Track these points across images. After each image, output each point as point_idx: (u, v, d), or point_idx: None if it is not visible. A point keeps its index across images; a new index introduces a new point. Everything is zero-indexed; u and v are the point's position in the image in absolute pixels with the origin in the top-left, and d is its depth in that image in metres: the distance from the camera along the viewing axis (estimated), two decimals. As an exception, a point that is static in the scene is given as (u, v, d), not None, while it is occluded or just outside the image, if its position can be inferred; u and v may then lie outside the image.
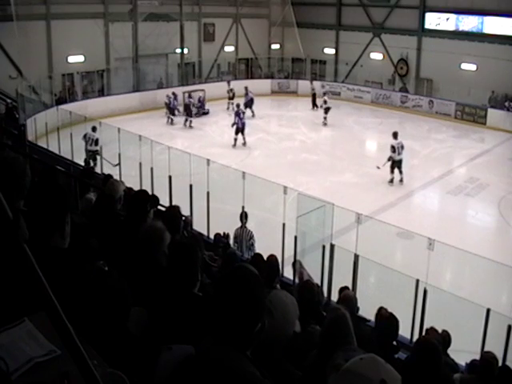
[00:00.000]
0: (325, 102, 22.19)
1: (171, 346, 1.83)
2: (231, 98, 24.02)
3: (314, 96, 25.02)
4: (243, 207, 9.41)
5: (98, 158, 14.65)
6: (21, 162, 2.39)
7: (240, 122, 18.68)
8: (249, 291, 1.56)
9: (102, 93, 23.62)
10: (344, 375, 1.37)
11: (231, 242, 8.57)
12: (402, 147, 15.09)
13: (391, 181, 15.21)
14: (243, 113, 19.18)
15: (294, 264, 7.82)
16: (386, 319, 4.74)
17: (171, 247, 3.06)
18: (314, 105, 24.94)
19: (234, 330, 1.53)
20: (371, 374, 1.31)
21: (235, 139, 18.66)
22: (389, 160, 15.05)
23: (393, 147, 14.94)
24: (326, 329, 2.81)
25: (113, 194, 4.49)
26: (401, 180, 15.25)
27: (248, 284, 1.59)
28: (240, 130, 18.68)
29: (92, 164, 14.26)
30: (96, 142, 14.76)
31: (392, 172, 15.15)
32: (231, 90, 24.15)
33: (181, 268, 2.77)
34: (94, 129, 14.90)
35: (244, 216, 9.13)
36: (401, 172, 15.16)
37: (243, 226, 9.06)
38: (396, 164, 15.04)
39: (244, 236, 8.84)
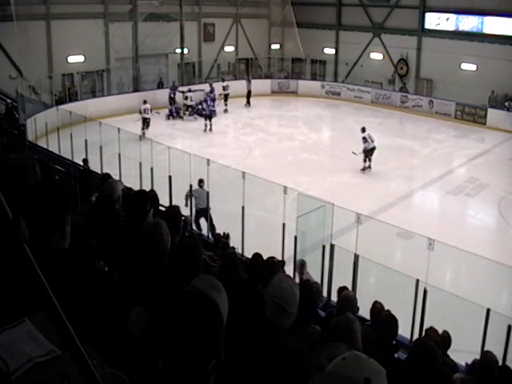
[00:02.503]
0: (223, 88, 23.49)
1: None
2: (225, 99, 24.03)
3: (249, 93, 25.47)
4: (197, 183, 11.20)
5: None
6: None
7: (208, 109, 20.54)
8: (202, 322, 1.32)
9: (101, 93, 23.62)
10: (327, 377, 1.35)
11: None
12: (371, 137, 16.16)
13: (363, 169, 16.06)
14: (212, 99, 20.93)
15: (298, 261, 7.93)
16: (385, 318, 4.75)
17: (174, 248, 3.06)
18: (248, 102, 25.42)
19: (183, 366, 1.31)
20: (355, 374, 1.30)
21: (205, 125, 20.56)
22: (364, 151, 15.97)
23: (364, 138, 16.06)
24: (332, 333, 2.82)
25: (111, 193, 4.48)
26: (369, 167, 16.17)
27: (201, 313, 1.34)
28: (208, 116, 20.62)
29: (145, 129, 18.83)
30: (151, 111, 19.33)
31: (365, 161, 16.07)
32: (224, 88, 24.07)
33: (183, 268, 2.77)
34: (145, 102, 19.40)
35: (200, 181, 11.28)
36: (370, 160, 16.09)
37: (201, 186, 11.25)
38: (369, 152, 16.02)
39: (202, 191, 11.19)
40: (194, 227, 10.76)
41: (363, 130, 16.25)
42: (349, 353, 1.43)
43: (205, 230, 11.03)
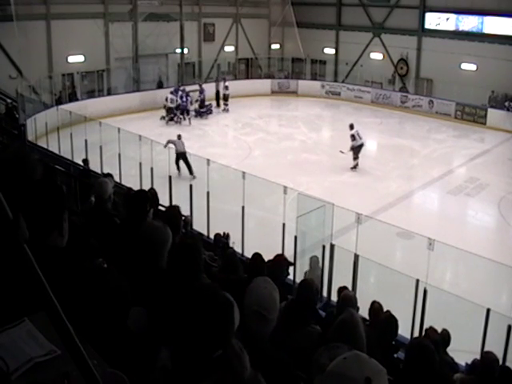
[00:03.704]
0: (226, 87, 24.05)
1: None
2: (225, 99, 23.96)
3: (220, 95, 24.67)
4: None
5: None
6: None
7: (182, 103, 21.72)
8: (215, 314, 1.40)
9: (101, 93, 23.62)
10: (329, 377, 1.36)
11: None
12: (360, 134, 16.16)
13: (354, 167, 16.06)
14: (186, 95, 21.97)
15: (314, 259, 8.02)
16: (385, 319, 4.75)
17: (174, 247, 3.06)
18: (218, 104, 24.54)
19: (191, 352, 1.37)
20: (355, 373, 1.30)
21: (179, 117, 21.75)
22: (352, 149, 15.96)
23: (352, 136, 16.05)
24: (335, 332, 2.81)
25: (101, 193, 4.48)
26: (357, 164, 16.19)
27: (215, 306, 1.41)
28: (183, 110, 21.81)
29: (167, 117, 21.67)
30: (174, 102, 21.61)
31: (354, 159, 16.05)
32: (226, 87, 23.97)
33: (183, 268, 2.77)
34: (172, 93, 21.81)
35: (178, 136, 15.03)
36: (357, 157, 16.12)
37: (179, 138, 14.81)
38: (357, 149, 16.03)
39: (179, 141, 14.76)
40: (175, 168, 14.19)
41: (351, 127, 16.27)
42: (349, 352, 1.43)
43: (183, 171, 14.40)
